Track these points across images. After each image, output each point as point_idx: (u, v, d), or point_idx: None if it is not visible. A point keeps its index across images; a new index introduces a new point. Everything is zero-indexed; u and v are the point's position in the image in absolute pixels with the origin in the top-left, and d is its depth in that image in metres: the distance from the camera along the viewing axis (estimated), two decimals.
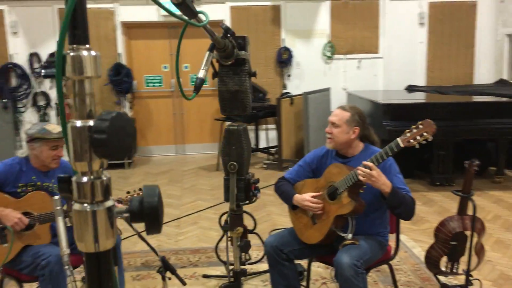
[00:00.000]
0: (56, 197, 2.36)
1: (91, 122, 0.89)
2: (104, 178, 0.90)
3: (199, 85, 1.18)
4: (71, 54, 0.88)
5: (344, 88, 8.18)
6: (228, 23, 7.78)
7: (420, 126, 2.34)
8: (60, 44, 0.84)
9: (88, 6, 0.91)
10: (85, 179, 0.89)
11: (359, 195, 2.61)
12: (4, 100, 7.25)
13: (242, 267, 3.13)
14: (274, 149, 7.58)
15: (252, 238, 3.63)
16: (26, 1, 7.34)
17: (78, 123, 0.91)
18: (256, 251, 3.88)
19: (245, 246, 1.48)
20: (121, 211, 0.95)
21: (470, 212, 2.94)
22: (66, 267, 2.23)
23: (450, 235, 2.97)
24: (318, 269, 3.59)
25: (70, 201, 2.28)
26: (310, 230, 2.72)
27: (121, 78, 7.52)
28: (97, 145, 0.84)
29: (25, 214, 2.67)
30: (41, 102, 7.55)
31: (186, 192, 5.87)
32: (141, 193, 2.83)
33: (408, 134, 2.36)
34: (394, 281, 2.93)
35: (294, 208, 2.81)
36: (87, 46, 0.88)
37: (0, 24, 7.34)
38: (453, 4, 8.22)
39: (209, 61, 1.23)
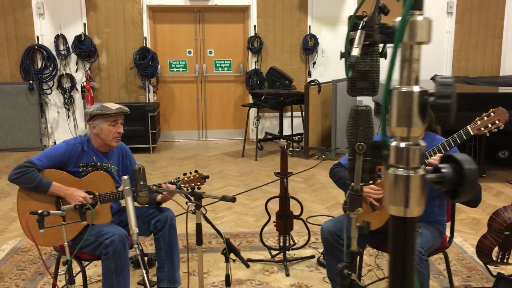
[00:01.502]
0: (125, 177, 2.38)
1: (416, 88, 0.90)
2: (421, 145, 0.89)
3: (354, 63, 1.16)
4: (412, 19, 0.86)
5: None
6: (253, 8, 7.73)
7: (492, 114, 2.31)
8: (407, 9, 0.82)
9: None
10: (403, 144, 0.90)
11: None
12: (30, 82, 7.25)
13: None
14: (297, 136, 7.56)
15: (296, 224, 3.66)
16: None
17: (403, 89, 0.91)
18: (297, 237, 3.88)
19: (365, 227, 1.46)
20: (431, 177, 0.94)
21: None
22: (136, 245, 2.24)
23: (504, 225, 2.95)
24: (364, 257, 3.58)
25: (139, 183, 2.27)
26: (370, 217, 2.70)
27: (147, 62, 7.50)
28: (441, 110, 0.84)
29: (87, 193, 2.68)
30: (66, 85, 7.54)
31: (214, 178, 5.87)
32: (197, 176, 2.83)
33: (479, 122, 2.33)
34: (449, 270, 2.92)
35: None
36: (421, 11, 0.86)
37: (27, 5, 7.32)
38: None
39: (362, 39, 1.20)
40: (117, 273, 2.59)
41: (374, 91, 1.32)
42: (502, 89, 6.65)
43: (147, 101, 7.75)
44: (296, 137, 7.56)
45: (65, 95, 7.54)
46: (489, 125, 2.30)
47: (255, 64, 7.88)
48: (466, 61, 8.35)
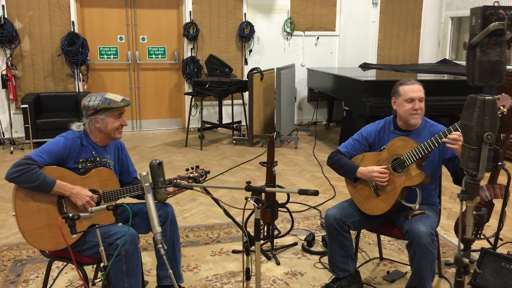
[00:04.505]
0: (144, 173, 2.23)
1: None
2: None
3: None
4: None
5: (302, 65, 8.30)
6: None
7: (497, 100, 2.47)
8: None
9: None
10: None
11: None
12: None
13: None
14: (236, 124, 7.55)
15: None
16: None
17: None
18: (280, 224, 3.90)
19: (483, 216, 1.51)
20: None
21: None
22: (160, 245, 2.13)
23: (482, 203, 3.21)
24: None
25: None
26: (375, 201, 2.80)
27: (76, 49, 7.01)
28: None
29: (91, 191, 2.48)
30: None
31: (165, 169, 5.67)
32: (199, 171, 2.74)
33: None
34: (438, 250, 3.10)
35: (355, 181, 2.88)
36: None
37: None
38: None
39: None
40: (129, 275, 2.44)
41: (501, 80, 1.36)
42: (422, 76, 7.12)
43: (77, 90, 7.27)
44: (236, 125, 7.55)
45: None
46: None
47: (191, 52, 7.70)
48: (389, 49, 8.84)
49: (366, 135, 2.93)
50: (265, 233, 3.56)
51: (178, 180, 2.66)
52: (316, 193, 1.74)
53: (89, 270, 3.09)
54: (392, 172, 2.75)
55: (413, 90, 2.77)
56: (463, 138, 1.48)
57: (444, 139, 2.50)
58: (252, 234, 2.12)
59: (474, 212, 1.54)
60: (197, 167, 2.83)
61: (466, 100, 1.44)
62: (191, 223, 4.11)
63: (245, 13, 7.88)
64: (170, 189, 2.66)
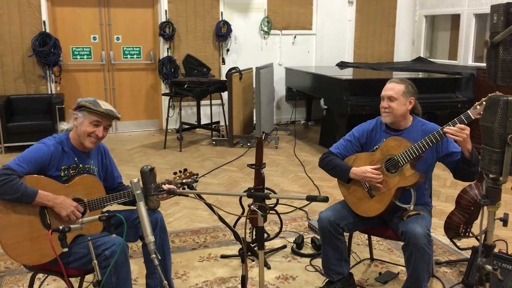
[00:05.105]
0: (135, 180, 2.13)
1: None
2: None
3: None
4: None
5: (280, 64, 8.25)
6: None
7: None
8: None
9: None
10: None
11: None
12: None
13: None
14: (214, 125, 7.46)
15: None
16: None
17: None
18: (267, 227, 3.83)
19: (505, 220, 1.46)
20: None
21: None
22: (153, 255, 2.03)
23: (472, 202, 3.20)
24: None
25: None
26: (369, 203, 2.75)
27: (48, 49, 6.77)
28: None
29: (75, 200, 2.35)
30: None
31: None
32: (188, 174, 2.64)
33: (479, 107, 2.48)
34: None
35: (347, 181, 2.83)
36: None
37: None
38: None
39: None
40: (119, 286, 2.32)
41: None
42: (398, 74, 7.15)
43: (49, 92, 7.04)
44: (214, 126, 7.45)
45: None
46: None
47: (168, 51, 7.55)
48: (365, 48, 8.88)
49: (358, 135, 2.88)
50: (254, 237, 3.49)
51: (172, 187, 2.55)
52: (326, 199, 1.67)
53: (73, 280, 2.95)
54: (385, 172, 2.71)
55: (385, 88, 2.75)
56: (483, 140, 1.43)
57: (448, 130, 2.45)
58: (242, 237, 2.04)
59: (497, 218, 1.49)
60: (185, 170, 2.73)
61: (487, 101, 1.40)
62: (176, 228, 4.00)
63: (221, 12, 7.77)
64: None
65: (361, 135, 2.88)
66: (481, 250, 1.53)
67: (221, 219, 2.29)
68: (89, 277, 2.83)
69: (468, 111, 2.51)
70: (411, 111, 2.84)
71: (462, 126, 2.45)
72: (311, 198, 1.65)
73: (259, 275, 1.94)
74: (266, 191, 3.48)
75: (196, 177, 2.55)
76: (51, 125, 6.44)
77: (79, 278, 2.85)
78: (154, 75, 7.77)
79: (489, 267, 1.45)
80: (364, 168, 2.72)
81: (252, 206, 1.78)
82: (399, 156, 2.65)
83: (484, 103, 2.50)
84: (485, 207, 1.47)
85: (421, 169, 2.69)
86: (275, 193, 3.51)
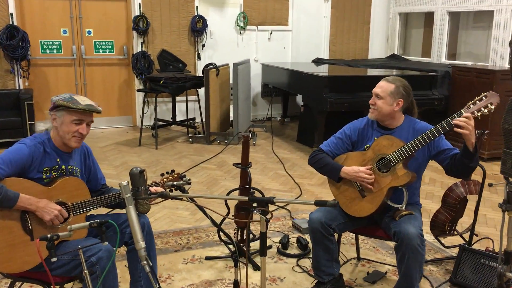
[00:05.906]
0: (124, 183, 2.02)
1: None
2: None
3: None
4: None
5: (256, 60, 8.17)
6: None
7: (484, 98, 2.44)
8: None
9: None
10: None
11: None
12: None
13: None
14: (190, 121, 7.34)
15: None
16: None
17: None
18: (252, 227, 3.75)
19: None
20: None
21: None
22: (144, 262, 1.94)
23: (458, 200, 3.21)
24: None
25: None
26: (361, 203, 2.71)
27: (16, 43, 6.50)
28: None
29: (58, 204, 2.21)
30: None
31: (121, 171, 5.38)
32: (175, 176, 2.55)
33: (472, 106, 2.46)
34: None
35: (338, 181, 2.78)
36: None
37: None
38: None
39: None
40: None
41: None
42: (372, 71, 7.20)
43: (17, 87, 6.76)
44: (189, 122, 7.33)
45: None
46: (482, 109, 2.43)
47: (141, 46, 7.37)
48: (341, 45, 8.89)
49: (350, 133, 2.83)
50: (239, 237, 3.41)
51: (161, 189, 2.44)
52: (335, 204, 1.60)
53: None
54: (377, 172, 2.67)
55: (377, 85, 2.73)
56: (505, 144, 1.40)
57: (458, 122, 2.38)
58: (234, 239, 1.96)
59: None
60: (173, 171, 2.62)
61: (508, 103, 1.36)
62: (157, 229, 3.87)
63: (197, 7, 7.63)
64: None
65: (353, 133, 2.83)
66: (501, 257, 1.49)
67: (213, 222, 2.20)
68: (67, 285, 2.70)
69: (462, 110, 2.48)
70: (406, 111, 2.80)
71: (468, 115, 2.40)
72: (320, 203, 1.58)
73: (260, 283, 1.86)
74: (252, 190, 3.41)
75: (189, 180, 2.45)
76: (19, 122, 6.19)
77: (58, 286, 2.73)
78: (127, 70, 7.57)
79: (510, 274, 1.42)
80: (356, 168, 2.68)
81: (256, 212, 1.70)
82: (391, 155, 2.61)
83: (478, 101, 2.50)
84: (506, 213, 1.44)
85: (412, 168, 2.67)
86: (261, 192, 3.43)
